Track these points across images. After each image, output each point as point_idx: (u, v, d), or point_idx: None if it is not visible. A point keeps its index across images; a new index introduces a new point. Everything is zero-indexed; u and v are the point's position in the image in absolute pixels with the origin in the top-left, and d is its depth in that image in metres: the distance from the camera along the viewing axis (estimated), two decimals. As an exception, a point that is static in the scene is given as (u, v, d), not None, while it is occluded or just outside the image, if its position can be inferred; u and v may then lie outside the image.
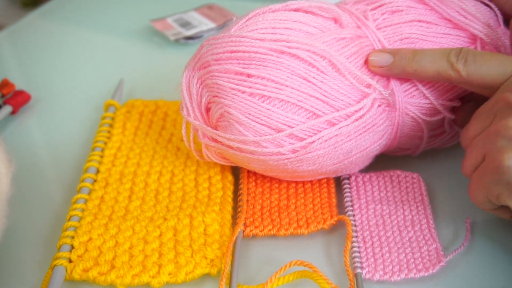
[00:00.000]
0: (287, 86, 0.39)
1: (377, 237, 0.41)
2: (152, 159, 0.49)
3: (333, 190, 0.45)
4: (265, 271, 0.40)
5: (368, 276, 0.39)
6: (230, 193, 0.45)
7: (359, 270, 0.39)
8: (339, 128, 0.40)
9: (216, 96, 0.41)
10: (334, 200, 0.45)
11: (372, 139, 0.42)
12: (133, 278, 0.39)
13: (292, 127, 0.39)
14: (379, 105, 0.41)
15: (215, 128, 0.43)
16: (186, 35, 0.71)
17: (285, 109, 0.40)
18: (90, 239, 0.41)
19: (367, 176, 0.46)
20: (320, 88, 0.39)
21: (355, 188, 0.46)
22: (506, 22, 0.46)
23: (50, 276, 0.38)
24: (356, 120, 0.40)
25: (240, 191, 0.45)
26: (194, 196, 0.45)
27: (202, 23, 0.74)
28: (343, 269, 0.40)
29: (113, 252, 0.40)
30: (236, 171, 0.48)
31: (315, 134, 0.40)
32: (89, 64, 0.69)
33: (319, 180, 0.46)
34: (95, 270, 0.39)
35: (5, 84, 0.59)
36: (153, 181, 0.47)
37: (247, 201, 0.45)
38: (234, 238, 0.41)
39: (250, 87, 0.40)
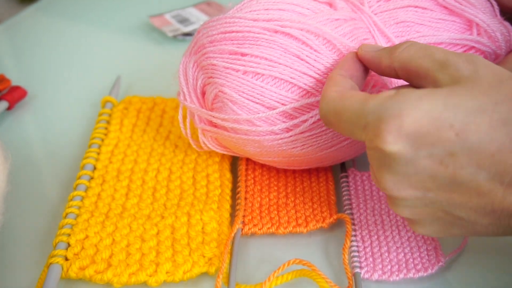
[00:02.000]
0: (280, 63, 0.39)
1: (376, 236, 0.41)
2: (149, 156, 0.48)
3: (332, 188, 0.45)
4: (263, 269, 0.40)
5: (366, 275, 0.38)
6: (228, 191, 0.45)
7: (357, 270, 0.38)
8: None
9: (211, 77, 0.42)
10: (333, 198, 0.44)
11: None
12: (130, 276, 0.38)
13: (285, 105, 0.40)
14: (374, 86, 0.41)
15: (211, 111, 0.43)
16: (184, 31, 0.71)
17: (278, 86, 0.40)
18: (87, 237, 0.41)
19: (366, 174, 0.46)
20: (313, 66, 0.40)
21: (353, 186, 0.45)
22: (503, 13, 0.46)
23: (46, 274, 0.38)
24: None
25: (238, 189, 0.45)
26: (192, 194, 0.45)
27: (200, 20, 0.73)
28: (342, 268, 0.40)
29: (110, 250, 0.40)
30: (234, 169, 0.48)
31: (308, 112, 0.40)
32: (86, 60, 0.68)
33: (318, 178, 0.46)
34: (92, 269, 0.38)
35: (1, 79, 0.58)
36: (150, 179, 0.46)
37: (246, 198, 0.44)
38: (232, 236, 0.41)
39: (244, 66, 0.40)
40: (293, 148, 0.41)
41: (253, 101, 0.40)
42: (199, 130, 0.45)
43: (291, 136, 0.40)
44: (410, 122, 0.30)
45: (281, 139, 0.41)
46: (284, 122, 0.40)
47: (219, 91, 0.41)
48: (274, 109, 0.40)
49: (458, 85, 0.31)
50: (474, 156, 0.30)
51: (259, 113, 0.40)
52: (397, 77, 0.36)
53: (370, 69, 0.38)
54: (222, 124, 0.42)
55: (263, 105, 0.40)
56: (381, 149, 0.31)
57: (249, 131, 0.41)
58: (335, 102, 0.34)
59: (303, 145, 0.41)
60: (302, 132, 0.40)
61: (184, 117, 0.47)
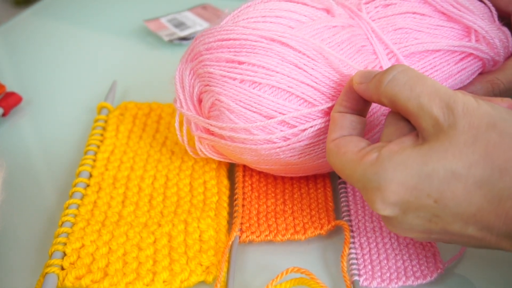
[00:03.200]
0: (277, 72, 0.39)
1: (374, 243, 0.41)
2: (146, 163, 0.48)
3: (330, 194, 0.45)
4: (261, 277, 0.40)
5: (365, 283, 0.38)
6: (225, 198, 0.45)
7: (356, 278, 0.38)
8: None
9: (208, 85, 0.41)
10: (331, 204, 0.44)
11: (366, 129, 0.41)
12: (127, 286, 0.38)
13: (283, 114, 0.39)
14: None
15: (207, 119, 0.43)
16: (180, 35, 0.70)
17: (275, 95, 0.39)
18: (83, 245, 0.40)
19: (364, 180, 0.46)
20: (311, 74, 0.39)
21: (351, 192, 0.45)
22: (500, 18, 0.46)
23: (41, 284, 0.38)
24: None
25: (236, 196, 0.45)
26: (189, 201, 0.44)
27: (197, 24, 0.73)
28: (340, 276, 0.39)
29: (106, 259, 0.39)
30: (231, 176, 0.48)
31: (308, 122, 0.40)
32: (82, 64, 0.68)
33: (316, 184, 0.46)
34: (88, 278, 0.38)
35: (-4, 85, 0.58)
36: (147, 186, 0.46)
37: (243, 205, 0.44)
38: (230, 244, 0.40)
39: (241, 74, 0.40)
40: (291, 156, 0.41)
41: (250, 110, 0.40)
42: (195, 138, 0.45)
43: (288, 145, 0.40)
44: (390, 195, 0.33)
45: (279, 147, 0.40)
46: (282, 131, 0.40)
47: (216, 99, 0.41)
48: (271, 118, 0.39)
49: (435, 141, 0.32)
50: (457, 216, 0.32)
51: (256, 122, 0.40)
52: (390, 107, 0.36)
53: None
54: (219, 132, 0.41)
55: (261, 114, 0.40)
56: (375, 210, 0.34)
57: (246, 140, 0.40)
58: (334, 158, 0.37)
59: (300, 153, 0.41)
60: (300, 141, 0.40)
61: (181, 124, 0.46)
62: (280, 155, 0.41)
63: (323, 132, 0.40)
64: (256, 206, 0.44)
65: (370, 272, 0.39)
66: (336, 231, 0.43)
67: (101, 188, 0.45)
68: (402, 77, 0.34)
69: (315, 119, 0.40)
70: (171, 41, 0.70)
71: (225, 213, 0.43)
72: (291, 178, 0.46)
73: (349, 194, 0.45)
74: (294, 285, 0.37)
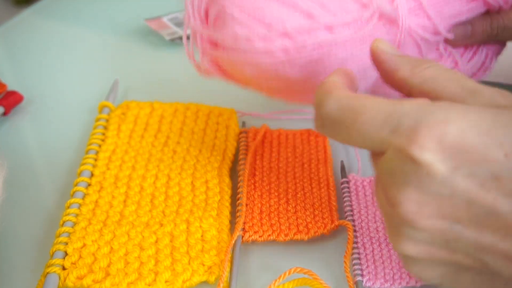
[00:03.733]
0: None
1: (377, 243, 0.41)
2: (147, 162, 0.48)
3: (333, 194, 0.45)
4: (264, 277, 0.39)
5: (368, 284, 0.38)
6: (227, 198, 0.45)
7: (359, 278, 0.38)
8: (335, 34, 0.39)
9: None
10: (334, 204, 0.44)
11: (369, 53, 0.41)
12: (129, 286, 0.38)
13: (285, 25, 0.39)
14: (380, 19, 0.41)
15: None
16: (181, 35, 0.70)
17: (279, 5, 0.39)
18: (84, 245, 0.40)
19: (367, 179, 0.46)
20: None
21: (354, 192, 0.45)
22: None
23: (42, 284, 0.37)
24: (355, 31, 0.39)
25: (239, 195, 0.44)
26: (191, 201, 0.44)
27: (198, 23, 0.73)
28: (343, 276, 0.39)
29: (108, 258, 0.39)
30: (233, 176, 0.48)
31: (309, 35, 0.39)
32: (83, 64, 0.68)
33: (319, 183, 0.46)
34: (90, 278, 0.38)
35: (-3, 84, 0.58)
36: (148, 185, 0.46)
37: (246, 205, 0.44)
38: (233, 243, 0.40)
39: None
40: (291, 72, 0.41)
41: (253, 19, 0.40)
42: (199, 52, 0.45)
43: (289, 59, 0.40)
44: (455, 132, 0.26)
45: (279, 61, 0.40)
46: (282, 43, 0.39)
47: (220, 8, 0.41)
48: (274, 28, 0.39)
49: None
50: None
51: (258, 32, 0.39)
52: (409, 94, 0.32)
53: (378, 71, 0.35)
54: (222, 44, 0.41)
55: (263, 23, 0.39)
56: (414, 158, 0.26)
57: (247, 51, 0.40)
58: (350, 99, 0.30)
59: (301, 70, 0.40)
60: (300, 54, 0.40)
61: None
62: (279, 70, 0.41)
63: (326, 46, 0.40)
64: (259, 205, 0.44)
65: (374, 272, 0.38)
66: (339, 231, 0.42)
67: (102, 188, 0.45)
68: (443, 66, 0.32)
69: (317, 31, 0.39)
70: (172, 40, 0.70)
71: (227, 213, 0.43)
72: (294, 177, 0.46)
73: (353, 194, 0.44)
74: (297, 285, 0.37)
